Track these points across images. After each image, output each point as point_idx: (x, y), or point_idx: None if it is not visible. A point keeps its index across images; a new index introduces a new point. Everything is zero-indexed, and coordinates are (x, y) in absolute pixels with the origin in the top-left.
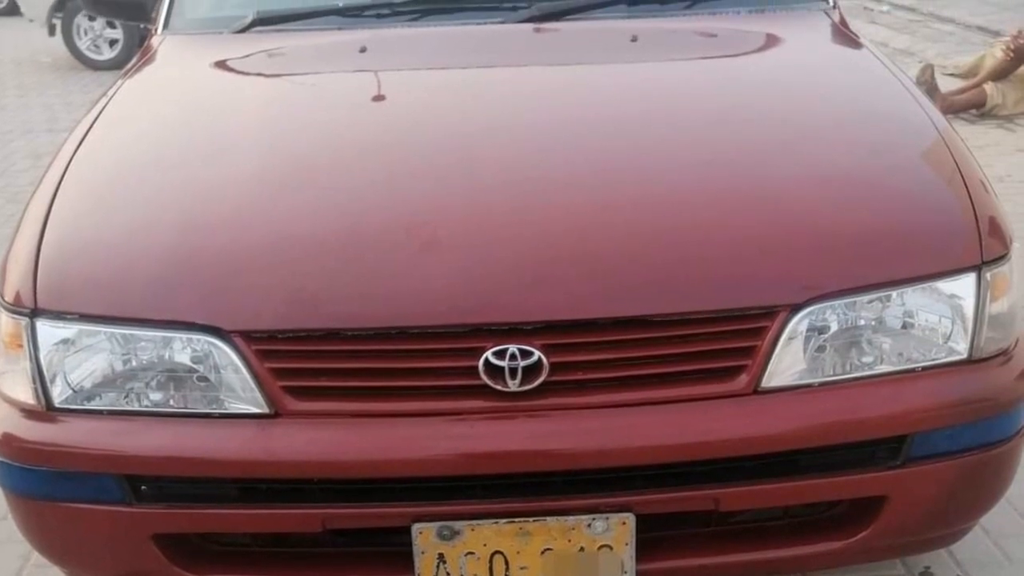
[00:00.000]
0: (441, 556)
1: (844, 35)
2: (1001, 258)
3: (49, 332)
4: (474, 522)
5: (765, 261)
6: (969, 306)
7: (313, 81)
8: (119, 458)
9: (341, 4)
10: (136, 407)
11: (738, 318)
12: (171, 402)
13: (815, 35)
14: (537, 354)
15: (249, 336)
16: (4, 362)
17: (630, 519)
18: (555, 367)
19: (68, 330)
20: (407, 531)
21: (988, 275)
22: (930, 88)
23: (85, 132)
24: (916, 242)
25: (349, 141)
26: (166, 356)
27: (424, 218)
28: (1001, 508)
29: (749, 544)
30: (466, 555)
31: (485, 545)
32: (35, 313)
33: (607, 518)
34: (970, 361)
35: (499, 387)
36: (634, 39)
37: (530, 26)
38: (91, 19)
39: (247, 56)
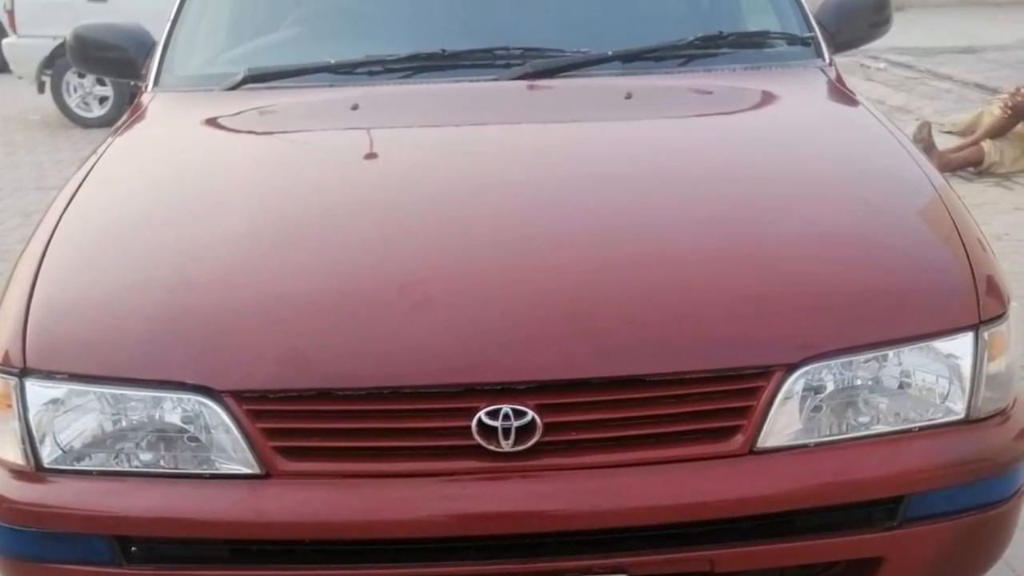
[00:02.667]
0: None
1: (840, 93)
2: (999, 317)
3: (38, 392)
4: None
5: (761, 320)
6: (966, 366)
7: (305, 139)
8: (109, 519)
9: (333, 61)
10: (126, 467)
11: (733, 378)
12: (161, 462)
13: (811, 93)
14: (531, 414)
15: (240, 396)
16: None
17: None
18: (549, 427)
19: (57, 390)
20: None
21: (985, 335)
22: (927, 146)
23: (75, 190)
24: (913, 301)
25: (341, 199)
26: (156, 416)
27: (416, 277)
28: (999, 570)
29: None
30: None
31: None
32: (24, 373)
33: None
34: (967, 421)
35: (492, 447)
36: (629, 96)
37: (524, 83)
38: (81, 76)
39: (238, 114)
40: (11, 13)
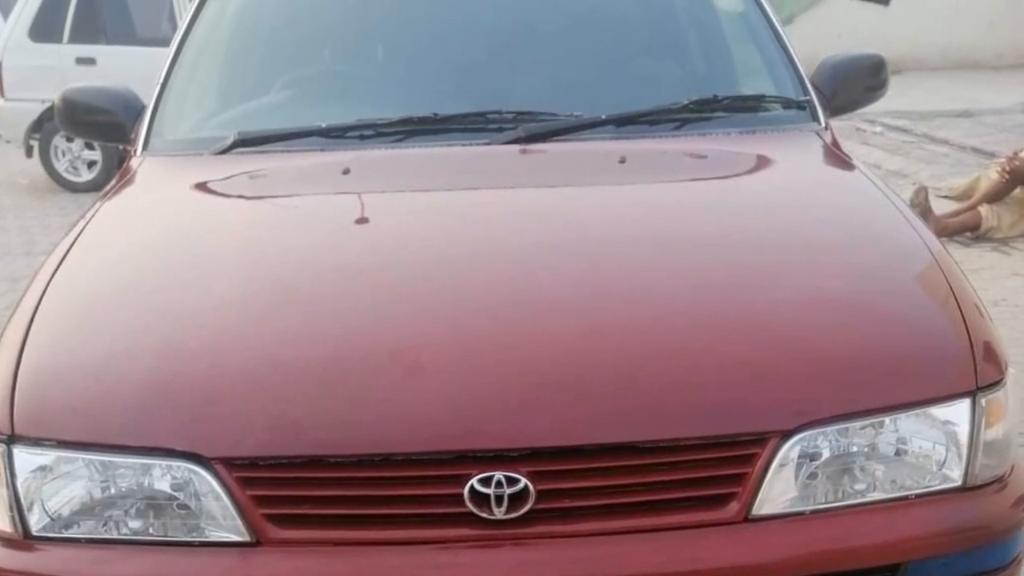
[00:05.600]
0: None
1: (836, 157)
2: (996, 384)
3: (27, 459)
4: None
5: (755, 387)
6: (963, 432)
7: (295, 203)
8: None
9: (324, 125)
10: (115, 535)
11: (728, 445)
12: (151, 530)
13: (807, 157)
14: (523, 481)
15: (230, 463)
16: None
17: None
18: (542, 494)
19: (46, 457)
20: None
21: (983, 401)
22: (924, 211)
23: (63, 255)
24: (909, 367)
25: (332, 265)
26: (146, 483)
27: (408, 343)
28: None
29: None
30: None
31: None
32: (12, 440)
33: None
34: (964, 488)
35: (485, 515)
36: (622, 160)
37: (516, 147)
38: (69, 140)
39: (228, 178)
40: None
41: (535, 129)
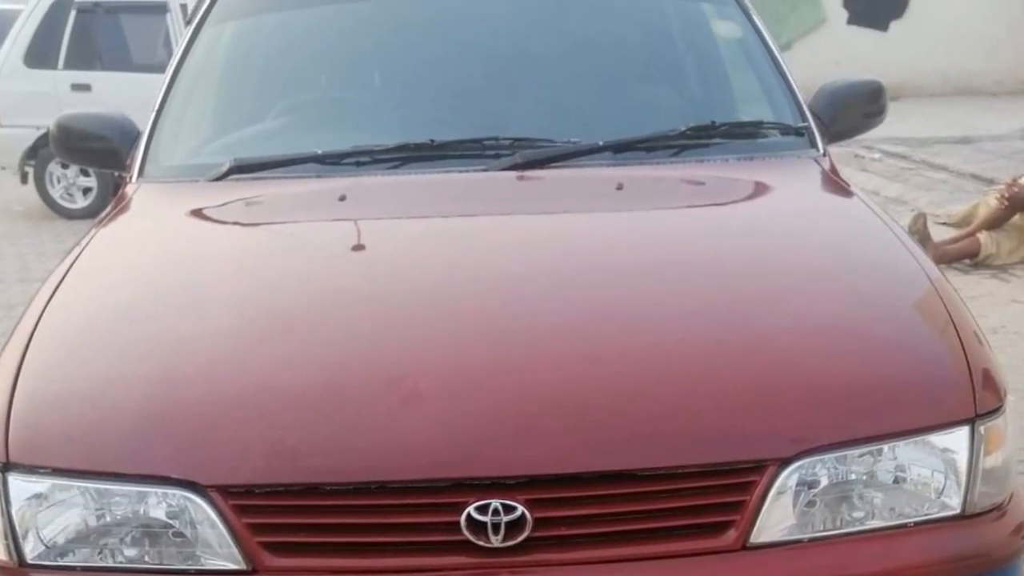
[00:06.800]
0: None
1: (835, 183)
2: (995, 411)
3: (21, 486)
4: None
5: (754, 414)
6: (962, 460)
7: (292, 230)
8: None
9: (320, 152)
10: (110, 563)
11: (726, 472)
12: (146, 558)
13: (805, 183)
14: (520, 509)
15: (226, 491)
16: None
17: None
18: (539, 522)
19: (41, 484)
20: None
21: (982, 428)
22: (923, 237)
23: (58, 282)
24: (908, 395)
25: (328, 292)
26: (141, 511)
27: (405, 370)
28: None
29: None
30: None
31: None
32: (7, 467)
33: None
34: (963, 516)
35: (482, 543)
36: (620, 187)
37: (513, 174)
38: (64, 167)
39: (224, 205)
40: None
41: (532, 155)
